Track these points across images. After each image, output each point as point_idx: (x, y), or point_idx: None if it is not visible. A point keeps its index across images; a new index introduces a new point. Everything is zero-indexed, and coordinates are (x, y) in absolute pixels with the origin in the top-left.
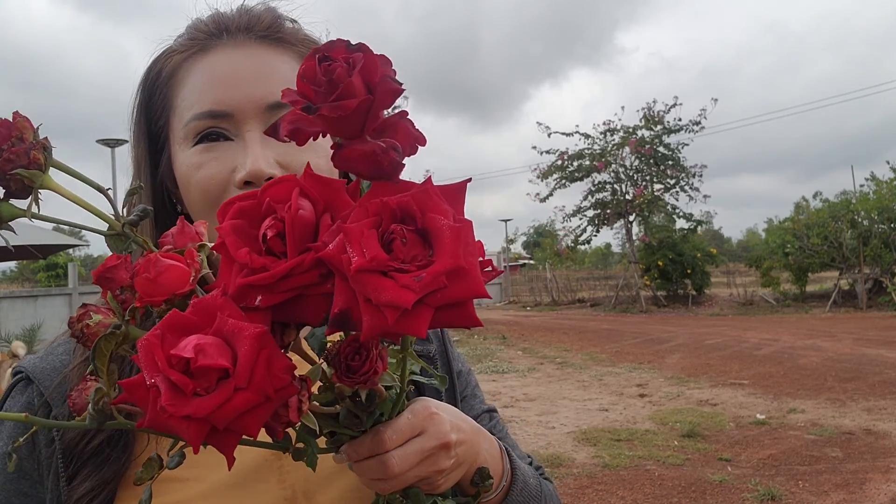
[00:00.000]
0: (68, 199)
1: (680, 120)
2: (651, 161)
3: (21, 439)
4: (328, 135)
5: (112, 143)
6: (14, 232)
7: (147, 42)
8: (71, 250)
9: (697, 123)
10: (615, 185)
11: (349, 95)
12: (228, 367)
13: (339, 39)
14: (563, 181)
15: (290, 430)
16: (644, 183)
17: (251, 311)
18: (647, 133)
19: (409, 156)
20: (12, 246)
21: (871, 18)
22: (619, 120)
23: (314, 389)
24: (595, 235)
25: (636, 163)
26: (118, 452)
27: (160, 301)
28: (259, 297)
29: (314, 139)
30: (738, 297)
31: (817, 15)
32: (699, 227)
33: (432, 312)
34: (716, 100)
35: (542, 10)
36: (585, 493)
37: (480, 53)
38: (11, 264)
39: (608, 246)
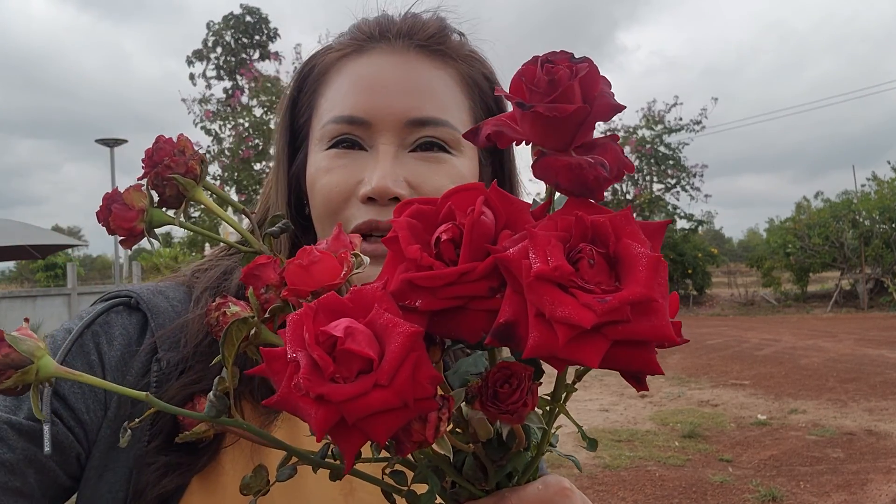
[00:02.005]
0: (215, 212)
1: (681, 119)
2: (651, 161)
3: (137, 421)
4: (530, 144)
5: (111, 143)
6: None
7: (147, 42)
8: (69, 250)
9: (698, 123)
10: (615, 185)
11: (567, 100)
12: (374, 360)
13: (562, 51)
14: None
15: (403, 469)
16: (644, 183)
17: (409, 312)
18: (647, 133)
19: (615, 181)
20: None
21: (873, 18)
22: (620, 119)
23: None
24: None
25: (637, 162)
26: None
27: (307, 292)
28: (419, 300)
29: (516, 145)
30: (739, 297)
31: (820, 14)
32: (700, 227)
33: (608, 345)
34: (716, 99)
35: (543, 8)
36: (586, 494)
37: (482, 53)
38: (10, 264)
39: None
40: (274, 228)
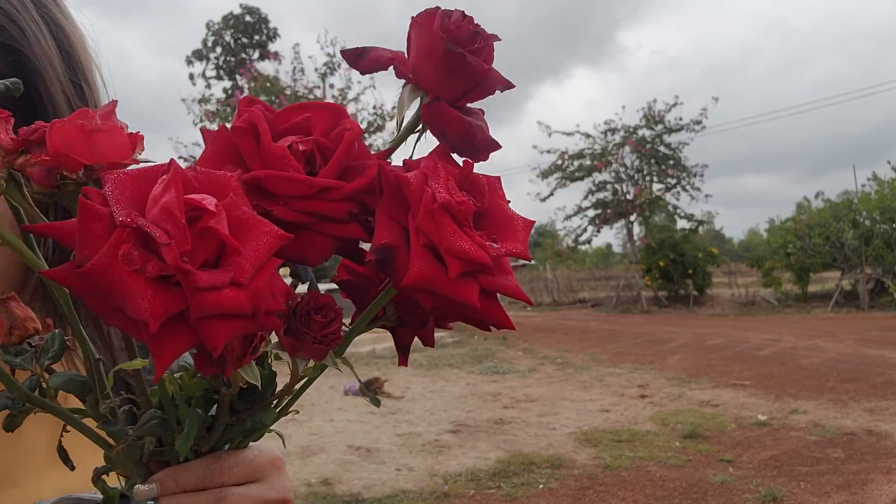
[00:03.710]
0: None
1: (681, 119)
2: (652, 161)
3: None
4: (419, 87)
5: None
6: None
7: (146, 41)
8: None
9: (698, 123)
10: (616, 185)
11: (481, 56)
12: (239, 251)
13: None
14: (564, 181)
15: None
16: (644, 183)
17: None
18: (647, 132)
19: (497, 148)
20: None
21: (877, 17)
22: (620, 119)
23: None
24: (596, 235)
25: (637, 162)
26: None
27: (80, 164)
28: (272, 208)
29: (400, 79)
30: (739, 297)
31: (823, 13)
32: (700, 227)
33: (478, 292)
34: (716, 99)
35: (543, 8)
36: (586, 494)
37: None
38: None
39: (609, 246)
40: None
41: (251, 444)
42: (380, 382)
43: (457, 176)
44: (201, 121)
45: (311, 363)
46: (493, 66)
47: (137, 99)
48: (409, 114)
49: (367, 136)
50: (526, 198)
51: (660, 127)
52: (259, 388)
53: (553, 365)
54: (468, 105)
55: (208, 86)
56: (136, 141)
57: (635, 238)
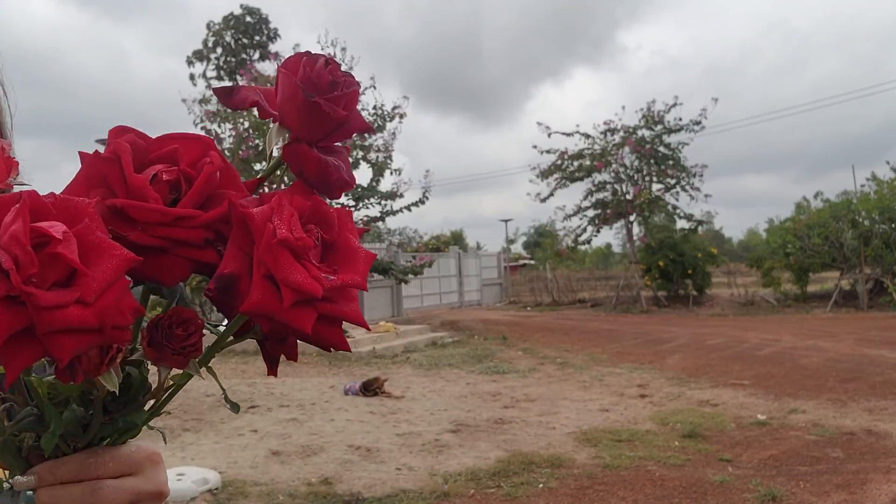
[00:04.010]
0: None
1: (680, 120)
2: (651, 161)
3: None
4: (283, 126)
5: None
6: None
7: (146, 42)
8: None
9: (698, 123)
10: (615, 185)
11: (339, 104)
12: (86, 274)
13: (333, 59)
14: (564, 181)
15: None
16: (644, 183)
17: (115, 239)
18: (647, 133)
19: (350, 188)
20: None
21: (877, 17)
22: (620, 120)
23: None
24: (595, 235)
25: (636, 162)
26: None
27: None
28: (130, 232)
29: (265, 119)
30: (739, 297)
31: (823, 13)
32: (700, 228)
33: (315, 318)
34: (716, 99)
35: (544, 8)
36: (586, 494)
37: (483, 53)
38: None
39: (609, 246)
40: None
41: (130, 441)
42: (380, 382)
43: (306, 211)
44: (202, 121)
45: (176, 371)
46: (354, 109)
47: (138, 99)
48: (277, 149)
49: (367, 136)
50: (526, 198)
51: (659, 127)
52: (126, 392)
53: (553, 365)
54: (334, 143)
55: (209, 86)
56: (11, 166)
57: (635, 238)
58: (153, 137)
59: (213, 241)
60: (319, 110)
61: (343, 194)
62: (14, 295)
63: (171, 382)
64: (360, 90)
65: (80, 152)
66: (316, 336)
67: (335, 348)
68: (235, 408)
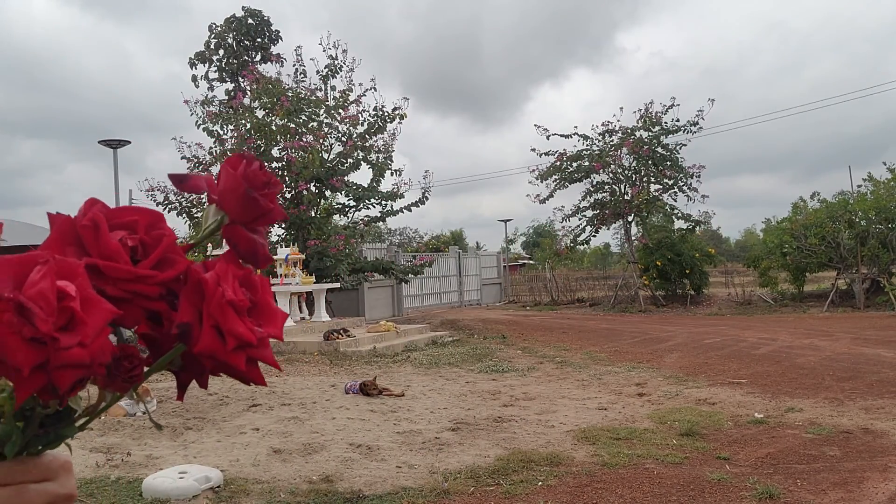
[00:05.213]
0: None
1: (678, 121)
2: (649, 162)
3: None
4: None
5: (114, 144)
6: None
7: (148, 43)
8: None
9: (695, 124)
10: (614, 186)
11: (269, 200)
12: (86, 322)
13: (263, 166)
14: (563, 182)
15: None
16: (642, 184)
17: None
18: (645, 134)
19: (261, 265)
20: (17, 246)
21: (875, 20)
22: (618, 121)
23: None
24: (594, 235)
25: (634, 163)
26: None
27: None
28: (107, 287)
29: (209, 203)
30: (736, 296)
31: (821, 15)
32: (697, 228)
33: (246, 359)
34: (713, 100)
35: (543, 9)
36: (584, 492)
37: (483, 54)
38: None
39: (607, 246)
40: None
41: (47, 451)
42: (373, 383)
43: (240, 277)
44: (204, 122)
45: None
46: (276, 202)
47: (141, 100)
48: (211, 225)
49: (367, 137)
50: (525, 198)
51: (657, 128)
52: (67, 409)
53: (552, 363)
54: (258, 227)
55: (211, 88)
56: None
57: (633, 238)
58: (113, 209)
59: (165, 295)
60: (256, 202)
61: (343, 195)
62: (37, 337)
63: (104, 402)
64: (361, 92)
65: (48, 214)
66: (243, 373)
67: (254, 383)
68: (159, 427)
